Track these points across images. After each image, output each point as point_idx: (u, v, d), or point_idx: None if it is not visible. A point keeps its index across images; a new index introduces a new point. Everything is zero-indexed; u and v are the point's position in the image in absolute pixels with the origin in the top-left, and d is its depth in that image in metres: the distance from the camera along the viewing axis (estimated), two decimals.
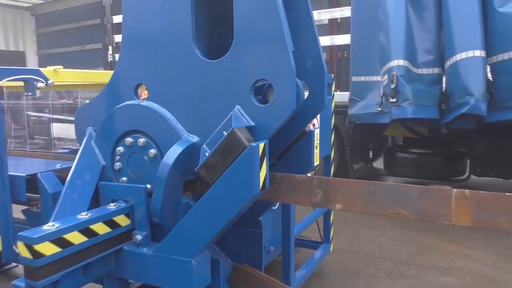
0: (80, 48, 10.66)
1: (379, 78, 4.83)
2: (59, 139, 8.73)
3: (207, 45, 2.03)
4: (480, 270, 3.39)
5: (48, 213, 1.99)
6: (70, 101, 8.84)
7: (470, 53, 3.98)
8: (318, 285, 3.11)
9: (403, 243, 3.99)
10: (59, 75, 2.15)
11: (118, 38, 7.93)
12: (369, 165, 6.10)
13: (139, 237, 1.89)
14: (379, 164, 6.15)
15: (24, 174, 2.01)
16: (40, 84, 2.04)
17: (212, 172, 1.68)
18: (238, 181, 1.63)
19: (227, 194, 1.66)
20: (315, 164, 2.27)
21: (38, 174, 2.01)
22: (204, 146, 1.78)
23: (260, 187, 1.64)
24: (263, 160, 1.64)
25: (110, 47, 7.84)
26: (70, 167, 2.18)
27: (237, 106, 1.75)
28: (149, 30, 1.95)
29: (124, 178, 2.02)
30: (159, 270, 1.82)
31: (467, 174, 5.40)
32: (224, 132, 1.68)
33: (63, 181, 2.05)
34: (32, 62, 12.91)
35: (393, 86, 4.30)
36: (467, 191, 1.51)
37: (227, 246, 2.16)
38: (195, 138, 1.86)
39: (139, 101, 1.98)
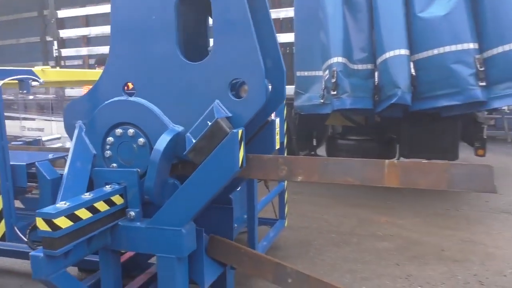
0: (16, 42, 10.26)
1: (320, 73, 5.37)
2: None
3: (184, 47, 2.37)
4: (408, 235, 4.05)
5: (47, 197, 2.24)
6: (11, 96, 8.58)
7: (397, 52, 4.61)
8: (276, 256, 3.51)
9: (345, 218, 4.58)
10: (46, 74, 2.37)
11: (63, 33, 7.82)
12: (313, 152, 6.70)
13: (132, 213, 2.20)
14: (321, 151, 6.76)
15: (24, 163, 2.24)
16: (34, 83, 2.26)
17: (200, 155, 2.05)
18: (222, 161, 2.01)
19: (213, 172, 2.03)
20: (276, 148, 2.70)
21: (36, 163, 2.24)
22: (188, 134, 2.13)
23: (240, 165, 2.03)
24: (241, 143, 2.04)
25: (55, 42, 7.70)
26: (61, 157, 2.44)
27: (217, 101, 2.12)
28: (136, 36, 2.24)
29: (114, 165, 2.31)
30: (152, 240, 2.15)
31: (397, 157, 6.16)
32: (208, 122, 2.04)
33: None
34: None
35: (333, 80, 4.85)
36: (396, 161, 2.02)
37: (202, 221, 2.52)
38: (179, 128, 2.20)
39: (127, 97, 2.28)
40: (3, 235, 2.21)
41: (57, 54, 7.84)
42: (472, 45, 4.30)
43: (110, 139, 2.30)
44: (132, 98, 2.27)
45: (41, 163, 2.25)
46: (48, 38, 9.52)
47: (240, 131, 2.03)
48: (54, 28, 7.73)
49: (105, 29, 7.97)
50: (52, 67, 8.96)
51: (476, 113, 5.62)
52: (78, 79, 3.11)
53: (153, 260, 2.87)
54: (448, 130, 5.51)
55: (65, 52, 7.99)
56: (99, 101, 2.34)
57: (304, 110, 5.68)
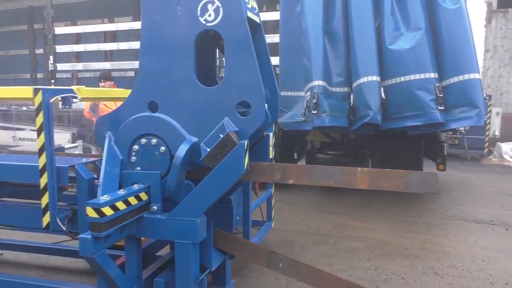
0: (4, 53, 10.54)
1: (302, 93, 6.00)
2: None
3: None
4: (378, 237, 4.65)
5: (84, 194, 2.72)
6: (3, 107, 8.84)
7: (369, 78, 5.30)
8: None
9: (323, 222, 5.16)
10: (81, 92, 2.86)
11: (59, 48, 8.23)
12: None
13: (155, 207, 2.71)
14: (301, 164, 7.36)
15: (67, 165, 2.71)
16: (75, 100, 2.76)
17: (213, 160, 2.58)
18: (231, 166, 2.55)
19: (224, 174, 2.57)
20: (270, 157, 3.27)
21: (76, 165, 2.73)
22: (202, 144, 2.67)
23: (245, 169, 2.58)
24: (246, 152, 2.59)
25: (51, 57, 8.11)
26: (93, 161, 2.93)
27: (226, 118, 2.67)
28: (160, 64, 2.78)
29: (138, 168, 2.80)
30: (172, 229, 2.65)
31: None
32: (220, 135, 2.58)
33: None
34: None
35: (314, 101, 5.48)
36: (365, 169, 2.61)
37: (208, 217, 3.03)
38: (195, 139, 2.73)
39: (151, 113, 2.80)
40: (48, 224, 2.66)
41: (52, 68, 8.21)
42: (433, 75, 5.03)
43: (136, 147, 2.81)
44: (156, 114, 2.79)
45: (79, 166, 2.74)
46: (38, 51, 9.90)
47: (246, 142, 2.58)
48: (50, 44, 8.11)
49: (99, 46, 8.44)
50: (47, 79, 9.34)
51: (439, 132, 6.36)
52: (103, 96, 3.61)
53: (160, 253, 3.38)
54: (413, 147, 6.24)
55: (60, 66, 8.36)
56: (126, 116, 2.85)
57: (287, 127, 6.28)
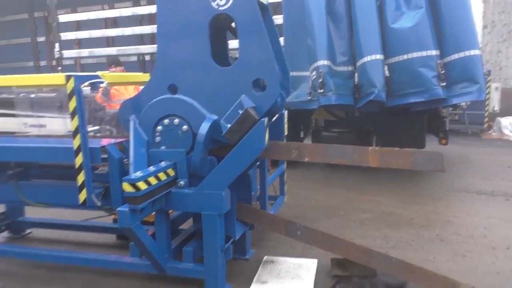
0: (6, 43, 10.61)
1: (307, 73, 6.13)
2: None
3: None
4: (385, 209, 4.88)
5: (115, 172, 2.93)
6: (11, 96, 8.97)
7: (373, 56, 5.45)
8: None
9: (332, 197, 5.39)
10: (105, 77, 3.04)
11: (64, 35, 8.34)
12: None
13: (182, 182, 2.92)
14: (306, 142, 7.57)
15: (98, 146, 2.91)
16: (102, 85, 2.94)
17: (234, 135, 2.78)
18: (253, 142, 2.75)
19: (246, 150, 2.77)
20: (285, 134, 3.48)
21: (106, 146, 2.93)
22: (222, 121, 2.87)
23: (265, 144, 2.78)
24: (267, 129, 2.79)
25: (57, 44, 8.22)
26: (121, 142, 3.12)
27: (243, 95, 2.85)
28: (178, 48, 2.94)
29: (163, 147, 3.01)
30: (198, 202, 2.87)
31: (373, 146, 7.03)
32: (239, 111, 2.77)
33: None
34: None
35: (320, 80, 5.64)
36: (376, 148, 2.81)
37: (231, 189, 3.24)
38: (215, 116, 2.91)
39: (172, 95, 2.98)
40: (84, 200, 2.88)
41: (58, 55, 8.32)
42: (434, 52, 5.19)
43: (159, 127, 3.00)
44: (176, 96, 2.98)
45: (110, 146, 2.94)
46: (39, 39, 9.98)
47: (266, 119, 2.78)
48: (55, 32, 8.20)
49: (104, 32, 8.52)
50: (50, 67, 9.45)
51: (441, 108, 6.56)
52: (125, 81, 3.79)
53: (183, 226, 3.61)
54: (416, 123, 6.43)
55: (66, 53, 8.48)
56: (148, 99, 3.03)
57: (292, 106, 6.42)
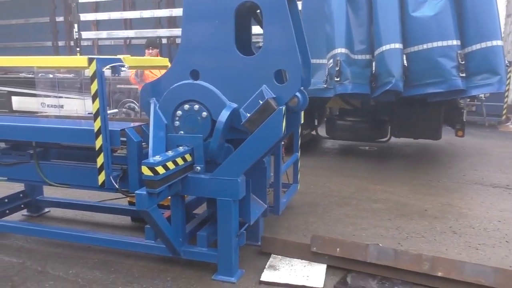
0: (25, 21, 10.68)
1: (324, 61, 6.08)
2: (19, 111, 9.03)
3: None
4: (398, 199, 4.88)
5: (133, 155, 2.97)
6: (30, 75, 9.11)
7: (392, 45, 5.37)
8: (291, 212, 4.35)
9: (344, 185, 5.40)
10: (126, 61, 3.06)
11: (83, 16, 8.37)
12: (313, 131, 7.50)
13: (198, 168, 2.95)
14: (321, 129, 7.57)
15: (118, 129, 2.96)
16: (123, 68, 2.97)
17: (253, 124, 2.79)
18: (270, 130, 2.76)
19: (263, 137, 2.78)
20: (301, 122, 3.48)
21: (126, 129, 2.97)
22: (241, 110, 2.88)
23: (283, 132, 2.79)
24: (284, 117, 2.79)
25: (75, 25, 8.27)
26: (140, 125, 3.16)
27: (264, 85, 2.86)
28: (202, 35, 2.95)
29: (182, 132, 3.04)
30: (214, 187, 2.90)
31: (388, 136, 7.01)
32: (260, 101, 2.78)
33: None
34: None
35: (337, 68, 5.60)
36: None
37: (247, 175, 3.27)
38: (234, 105, 2.93)
39: (194, 81, 3.00)
40: (103, 182, 2.94)
41: (77, 36, 8.38)
42: (455, 42, 5.10)
43: (179, 112, 3.03)
44: (198, 82, 2.99)
45: (129, 129, 2.98)
46: (58, 19, 10.03)
47: (283, 108, 2.78)
48: (75, 12, 8.25)
49: (122, 14, 8.54)
50: (68, 47, 9.52)
51: (458, 99, 6.47)
52: (147, 64, 3.82)
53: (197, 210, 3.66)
54: (433, 114, 6.36)
55: (84, 35, 8.53)
56: (170, 83, 3.06)
57: (308, 94, 6.41)
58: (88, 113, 2.94)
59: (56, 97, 8.60)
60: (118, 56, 3.03)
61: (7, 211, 3.97)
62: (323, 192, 5.13)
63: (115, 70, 2.95)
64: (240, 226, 3.06)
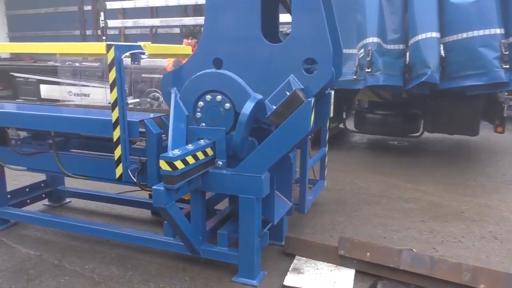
0: (54, 10, 10.74)
1: (354, 51, 5.79)
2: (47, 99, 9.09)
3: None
4: (431, 199, 4.58)
5: (153, 147, 2.82)
6: (57, 63, 9.14)
7: (428, 34, 5.04)
8: (318, 211, 4.14)
9: (373, 183, 5.13)
10: (147, 48, 2.91)
11: (109, 5, 8.30)
12: (341, 124, 7.21)
13: (220, 163, 2.78)
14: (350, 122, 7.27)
15: (137, 120, 2.81)
16: (143, 56, 2.81)
17: (279, 117, 2.59)
18: (297, 124, 2.55)
19: (290, 131, 2.57)
20: (331, 115, 3.25)
21: (145, 120, 2.82)
22: (267, 101, 2.68)
23: (311, 126, 2.58)
24: (312, 110, 2.57)
25: (102, 13, 8.21)
26: (159, 116, 3.01)
27: (292, 75, 2.64)
28: (226, 20, 2.75)
29: (203, 124, 2.86)
30: (237, 184, 2.72)
31: (420, 131, 6.66)
32: (287, 92, 2.57)
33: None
34: (0, 22, 12.69)
35: (368, 58, 5.31)
36: None
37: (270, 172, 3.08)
38: (259, 96, 2.73)
39: (217, 70, 2.81)
40: (120, 175, 2.81)
41: (103, 25, 8.33)
42: (498, 31, 4.72)
43: (201, 103, 2.85)
44: (221, 71, 2.81)
45: (148, 121, 2.83)
46: (86, 8, 10.03)
47: (312, 100, 2.56)
48: (101, 0, 8.19)
49: (148, 2, 8.42)
50: (96, 36, 9.51)
51: (498, 93, 6.04)
52: (168, 52, 3.67)
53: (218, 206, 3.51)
54: (470, 108, 5.97)
55: (110, 23, 8.47)
56: (192, 72, 2.88)
57: (336, 85, 6.12)
58: (109, 103, 2.79)
59: (80, 85, 8.60)
60: (138, 43, 2.87)
61: (28, 201, 3.93)
62: (351, 189, 4.88)
63: (135, 57, 2.79)
64: (263, 225, 2.88)
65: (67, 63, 8.59)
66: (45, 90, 9.15)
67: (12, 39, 11.94)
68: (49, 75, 9.30)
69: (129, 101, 2.93)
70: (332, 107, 3.21)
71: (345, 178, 5.27)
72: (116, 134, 2.73)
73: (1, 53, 10.79)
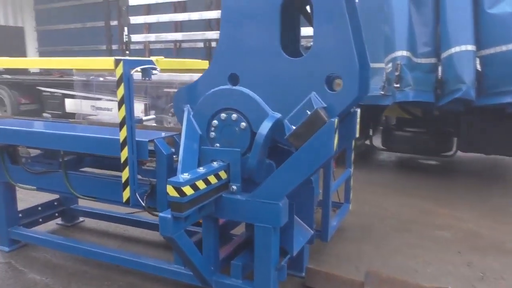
0: (82, 26, 10.93)
1: (382, 65, 5.51)
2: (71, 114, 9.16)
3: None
4: (467, 226, 4.20)
5: (163, 169, 2.63)
6: (83, 78, 9.22)
7: (463, 47, 4.73)
8: (343, 236, 3.84)
9: (403, 206, 4.77)
10: (159, 63, 2.74)
11: (133, 19, 8.31)
12: (367, 141, 6.88)
13: (234, 187, 2.54)
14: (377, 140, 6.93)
15: (146, 140, 2.63)
16: (154, 72, 2.64)
17: (299, 139, 2.34)
18: (319, 146, 2.30)
19: (310, 155, 2.32)
20: (356, 136, 2.98)
21: (155, 140, 2.64)
22: (286, 121, 2.44)
23: (334, 150, 2.32)
24: (336, 131, 2.32)
25: (125, 28, 8.24)
26: (171, 135, 2.82)
27: (313, 92, 2.41)
28: (243, 34, 2.55)
29: (218, 144, 2.65)
30: (252, 211, 2.48)
31: (454, 150, 6.25)
32: (308, 111, 2.33)
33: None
34: (30, 38, 13.06)
35: (397, 73, 5.02)
36: None
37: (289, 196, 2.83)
38: (278, 115, 2.50)
39: (232, 86, 2.61)
40: (128, 199, 2.62)
41: (127, 40, 8.34)
42: None
43: (215, 122, 2.64)
44: (237, 87, 2.60)
45: (158, 140, 2.65)
46: (113, 23, 10.13)
47: (336, 120, 2.31)
48: (125, 15, 8.23)
49: (171, 17, 8.39)
50: (121, 50, 9.57)
51: None
52: (182, 67, 3.52)
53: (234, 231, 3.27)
54: (510, 127, 5.54)
55: (133, 37, 8.48)
56: (206, 89, 2.68)
57: (363, 101, 5.84)
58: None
59: (105, 100, 8.61)
60: (150, 58, 2.70)
61: (40, 220, 3.81)
62: (379, 213, 4.55)
63: (146, 73, 2.62)
64: (281, 255, 2.62)
65: (91, 77, 8.64)
66: (69, 104, 9.22)
67: (42, 53, 12.24)
68: (73, 89, 9.40)
69: (144, 118, 2.77)
70: (358, 126, 2.94)
71: (372, 201, 4.94)
72: (124, 154, 2.55)
73: (30, 68, 11.02)
